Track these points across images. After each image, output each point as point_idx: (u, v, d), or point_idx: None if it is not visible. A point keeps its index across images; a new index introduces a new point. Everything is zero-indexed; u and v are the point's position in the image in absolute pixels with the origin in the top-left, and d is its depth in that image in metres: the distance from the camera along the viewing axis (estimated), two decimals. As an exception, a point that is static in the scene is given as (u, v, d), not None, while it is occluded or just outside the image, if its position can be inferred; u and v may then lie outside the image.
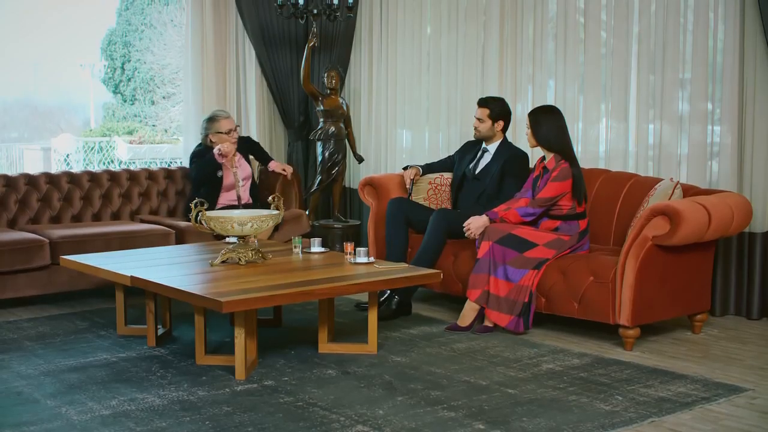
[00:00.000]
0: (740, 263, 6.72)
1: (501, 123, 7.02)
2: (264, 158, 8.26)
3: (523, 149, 7.03)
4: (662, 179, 6.41)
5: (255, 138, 9.36)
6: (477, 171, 7.04)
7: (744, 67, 6.58)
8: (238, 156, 7.89)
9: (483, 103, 7.05)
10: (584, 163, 6.90)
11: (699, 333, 6.26)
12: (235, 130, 7.81)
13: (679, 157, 6.94)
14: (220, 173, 7.69)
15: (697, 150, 6.83)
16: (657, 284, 5.85)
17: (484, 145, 7.07)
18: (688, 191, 6.26)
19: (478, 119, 7.02)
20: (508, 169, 6.88)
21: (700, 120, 6.81)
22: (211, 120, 7.79)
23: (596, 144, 7.44)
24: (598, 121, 7.42)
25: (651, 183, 6.45)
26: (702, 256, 6.15)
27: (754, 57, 6.51)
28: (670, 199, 5.98)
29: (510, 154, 6.98)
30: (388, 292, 6.77)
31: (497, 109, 6.99)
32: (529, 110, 6.62)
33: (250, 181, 7.96)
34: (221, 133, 7.72)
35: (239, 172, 7.81)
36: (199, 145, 7.96)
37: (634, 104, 7.17)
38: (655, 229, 5.69)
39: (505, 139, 7.07)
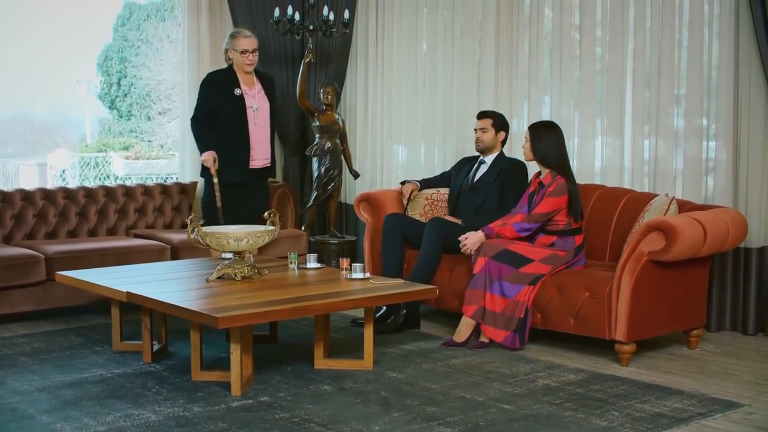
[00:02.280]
0: (736, 279, 6.72)
1: (503, 134, 7.05)
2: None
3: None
4: (658, 195, 6.42)
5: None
6: (473, 181, 7.04)
7: (739, 83, 6.59)
8: (257, 88, 7.28)
9: (485, 114, 7.08)
10: (580, 178, 6.90)
11: (695, 348, 6.26)
12: (254, 52, 7.19)
13: (675, 172, 6.96)
14: (238, 91, 7.16)
15: (693, 165, 6.84)
16: (653, 300, 5.85)
17: (481, 157, 7.08)
18: (684, 207, 6.27)
19: (481, 129, 7.02)
20: (508, 178, 6.88)
21: (695, 135, 6.82)
22: (232, 36, 7.28)
23: (592, 159, 7.45)
24: (594, 137, 7.44)
25: (646, 198, 6.45)
26: (698, 272, 6.16)
27: (748, 73, 6.53)
28: (665, 214, 5.99)
29: (508, 164, 6.99)
30: (384, 308, 6.78)
31: (500, 119, 7.02)
32: (527, 125, 6.63)
33: (268, 116, 7.29)
34: (237, 51, 7.17)
35: (254, 102, 7.23)
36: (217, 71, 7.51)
37: (629, 120, 7.18)
38: (650, 244, 5.69)
39: (502, 152, 7.09)
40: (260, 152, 7.20)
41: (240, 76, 7.18)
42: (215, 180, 7.01)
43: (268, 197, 7.51)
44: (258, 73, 7.34)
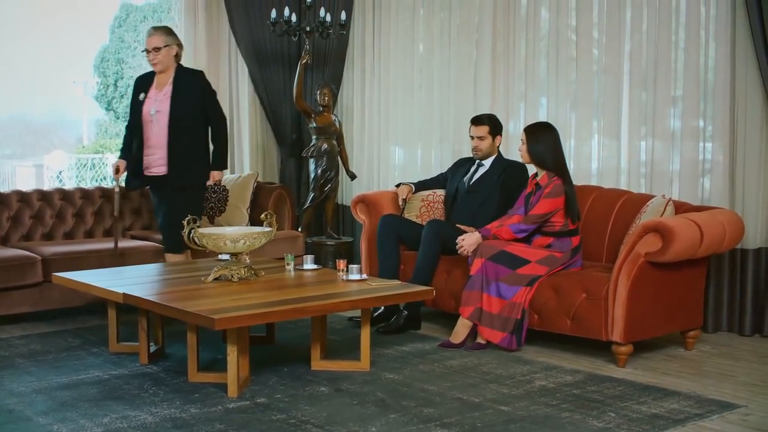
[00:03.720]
0: (732, 280, 6.73)
1: (499, 138, 7.05)
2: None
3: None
4: (654, 196, 6.42)
5: (247, 154, 9.36)
6: (471, 183, 7.03)
7: (735, 84, 6.60)
8: (166, 90, 6.77)
9: (481, 121, 7.04)
10: (577, 180, 6.90)
11: (692, 349, 6.26)
12: (155, 51, 6.72)
13: (671, 173, 6.96)
14: (142, 95, 6.87)
15: (689, 167, 6.84)
16: (649, 301, 5.85)
17: (478, 161, 7.07)
18: (680, 208, 6.27)
19: (479, 138, 6.99)
20: (511, 183, 6.85)
21: (692, 137, 6.82)
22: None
23: (588, 161, 7.45)
24: (591, 139, 7.44)
25: (643, 200, 6.45)
26: (694, 273, 6.16)
27: (745, 74, 6.53)
28: (662, 215, 5.99)
29: (510, 167, 6.98)
30: (382, 308, 6.79)
31: (495, 125, 7.01)
32: (524, 126, 6.62)
33: (167, 121, 6.73)
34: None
35: (154, 106, 6.79)
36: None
37: (626, 121, 7.18)
38: (647, 245, 5.69)
39: (499, 153, 7.08)
40: (155, 159, 6.79)
41: (156, 78, 6.89)
42: (116, 189, 6.98)
43: (181, 207, 6.59)
44: (181, 72, 6.86)
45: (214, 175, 6.92)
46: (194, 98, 6.79)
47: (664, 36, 6.89)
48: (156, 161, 6.79)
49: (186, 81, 6.82)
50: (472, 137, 7.02)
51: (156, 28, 6.86)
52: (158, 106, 6.76)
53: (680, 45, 6.85)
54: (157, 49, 6.75)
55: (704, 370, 5.75)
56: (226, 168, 7.08)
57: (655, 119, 6.98)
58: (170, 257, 6.86)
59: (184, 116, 6.74)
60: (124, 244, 7.52)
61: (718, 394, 5.19)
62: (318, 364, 5.69)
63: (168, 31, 6.86)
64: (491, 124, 7.00)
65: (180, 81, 6.81)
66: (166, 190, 6.78)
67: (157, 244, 7.54)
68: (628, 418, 4.71)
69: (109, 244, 7.35)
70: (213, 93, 6.95)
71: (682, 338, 6.29)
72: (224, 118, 6.97)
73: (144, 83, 6.94)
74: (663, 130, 6.97)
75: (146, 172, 6.84)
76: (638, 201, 6.51)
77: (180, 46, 6.90)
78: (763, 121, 6.49)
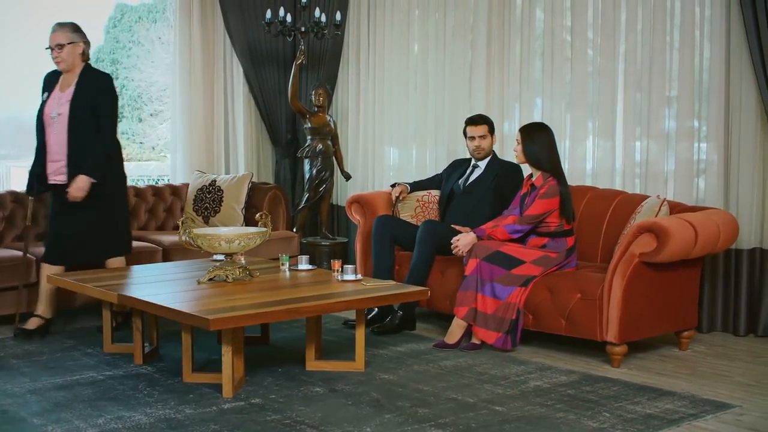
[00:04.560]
0: (727, 280, 6.74)
1: (495, 137, 7.05)
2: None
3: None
4: (649, 196, 6.43)
5: (242, 154, 9.35)
6: (467, 184, 7.03)
7: (730, 85, 6.61)
8: (69, 91, 6.44)
9: (477, 121, 7.02)
10: (571, 180, 6.90)
11: (686, 350, 6.27)
12: (59, 48, 6.41)
13: (666, 174, 6.97)
14: (45, 95, 6.53)
15: (684, 167, 6.85)
16: (644, 301, 5.86)
17: (474, 161, 7.07)
18: (675, 208, 6.28)
19: (481, 137, 6.98)
20: (507, 184, 6.84)
21: (686, 137, 6.84)
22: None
23: (583, 161, 7.46)
24: (585, 139, 7.45)
25: (638, 200, 6.46)
26: (689, 273, 6.17)
27: (739, 74, 6.54)
28: (656, 216, 6.00)
29: (505, 168, 6.98)
30: (376, 309, 6.79)
31: (491, 123, 7.02)
32: (519, 127, 6.62)
33: (66, 124, 6.40)
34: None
35: (56, 108, 6.47)
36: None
37: (620, 122, 7.19)
38: (642, 246, 5.70)
39: (494, 153, 7.08)
40: (57, 167, 6.47)
41: (61, 78, 6.54)
42: (30, 197, 6.78)
43: (86, 218, 6.44)
44: (87, 73, 6.54)
45: (77, 179, 6.33)
46: (95, 102, 6.43)
47: (659, 37, 6.90)
48: (58, 169, 6.45)
49: (90, 83, 6.47)
50: (473, 137, 7.00)
51: (60, 24, 6.50)
52: (60, 108, 6.42)
53: (675, 46, 6.86)
54: (60, 46, 6.42)
55: (699, 371, 5.75)
56: (91, 178, 6.35)
57: (649, 120, 6.99)
58: (112, 262, 6.69)
59: (85, 121, 6.38)
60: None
61: (713, 394, 5.20)
62: (313, 364, 5.68)
63: (74, 28, 6.53)
64: (488, 122, 7.01)
65: (84, 82, 6.46)
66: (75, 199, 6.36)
67: (153, 245, 7.53)
68: (623, 418, 4.72)
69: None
70: (112, 99, 6.54)
71: (677, 338, 6.30)
72: (111, 129, 6.53)
73: (49, 83, 6.59)
74: (658, 130, 6.98)
75: (49, 180, 6.51)
76: (633, 201, 6.51)
77: (87, 43, 6.55)
78: (758, 122, 6.50)
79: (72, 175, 6.36)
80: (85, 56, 6.57)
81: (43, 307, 6.59)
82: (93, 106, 6.41)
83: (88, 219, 6.43)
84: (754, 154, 6.54)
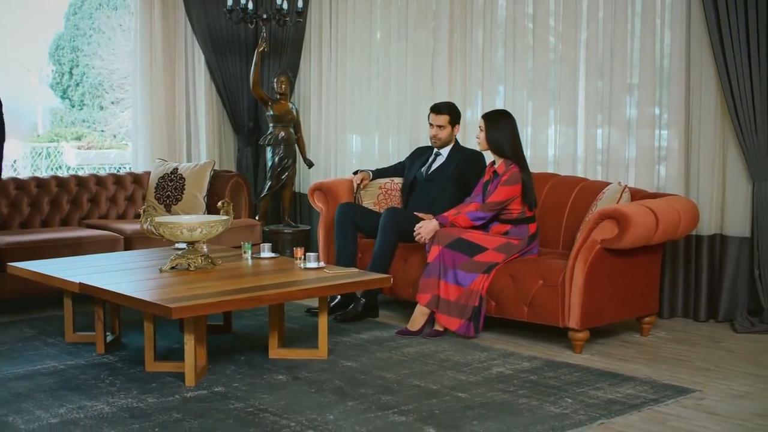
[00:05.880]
0: (687, 266, 6.79)
1: (458, 128, 7.05)
2: None
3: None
4: (610, 183, 6.46)
5: (204, 142, 9.31)
6: (429, 172, 7.04)
7: (690, 72, 6.65)
8: None
9: (440, 109, 7.00)
10: (533, 167, 6.92)
11: (647, 335, 6.31)
12: None
13: (627, 161, 7.01)
14: None
15: (645, 154, 6.89)
16: (606, 287, 5.89)
17: (436, 149, 7.07)
18: (636, 195, 6.31)
19: (439, 126, 6.97)
20: (469, 171, 6.87)
21: (647, 124, 6.87)
22: None
23: (545, 149, 7.49)
24: (547, 126, 7.47)
25: (599, 187, 6.49)
26: (650, 259, 6.21)
27: (700, 62, 6.58)
28: (618, 202, 6.02)
29: (467, 155, 6.98)
30: (339, 297, 6.79)
31: (455, 114, 7.00)
32: (481, 114, 6.62)
33: None
34: None
35: None
36: None
37: (582, 109, 7.22)
38: (603, 232, 5.73)
39: (457, 141, 7.09)
40: None
41: None
42: None
43: None
44: None
45: None
46: None
47: (620, 24, 6.93)
48: None
49: None
50: (431, 125, 7.01)
51: None
52: None
53: (636, 33, 6.89)
54: None
55: (660, 356, 5.79)
56: None
57: (611, 107, 7.03)
58: None
59: None
60: (82, 233, 7.45)
61: (674, 379, 5.24)
62: (276, 352, 5.68)
63: None
64: (451, 113, 6.99)
65: None
66: None
67: (114, 234, 7.49)
68: (585, 403, 4.74)
69: (63, 234, 7.31)
70: None
71: (638, 324, 6.34)
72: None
73: None
74: (619, 117, 7.01)
75: None
76: (594, 188, 6.55)
77: None
78: (718, 109, 6.55)
79: None
80: None
81: None
82: None
83: None
84: (714, 140, 6.58)
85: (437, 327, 6.22)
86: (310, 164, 8.97)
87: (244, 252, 6.18)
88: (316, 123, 9.41)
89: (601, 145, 7.13)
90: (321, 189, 7.43)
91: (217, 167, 8.79)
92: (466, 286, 6.11)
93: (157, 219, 5.66)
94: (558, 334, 6.05)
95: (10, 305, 7.17)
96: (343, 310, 6.78)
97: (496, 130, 6.29)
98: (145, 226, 5.65)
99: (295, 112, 8.81)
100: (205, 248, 5.91)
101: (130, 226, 7.71)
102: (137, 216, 8.21)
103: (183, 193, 8.21)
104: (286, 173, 8.77)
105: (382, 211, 6.99)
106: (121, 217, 8.39)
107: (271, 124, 8.73)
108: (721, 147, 6.59)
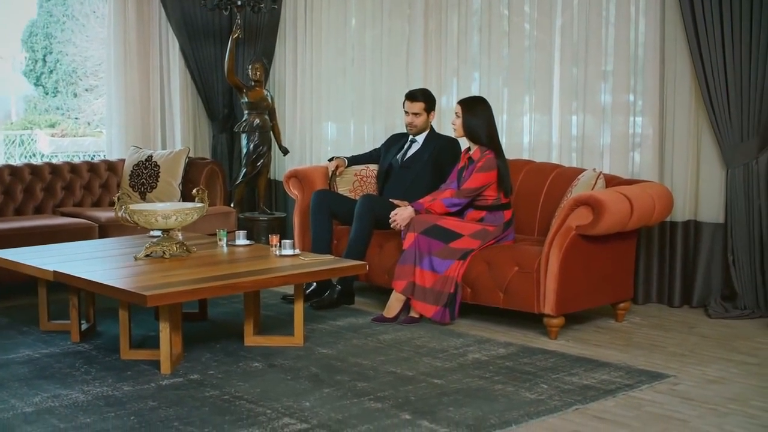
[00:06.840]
0: (662, 252, 6.82)
1: (433, 114, 7.04)
2: None
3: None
4: (585, 170, 6.47)
5: (178, 129, 9.28)
6: (405, 159, 7.04)
7: (665, 60, 6.67)
8: None
9: (415, 96, 6.99)
10: (509, 154, 6.92)
11: (622, 321, 6.34)
12: None
13: (602, 148, 7.03)
14: None
15: (620, 141, 6.91)
16: (581, 273, 5.91)
17: (411, 136, 7.07)
18: (611, 181, 6.33)
19: (414, 114, 6.96)
20: (444, 157, 6.87)
21: (622, 111, 6.89)
22: None
23: (520, 135, 7.50)
24: (522, 113, 7.48)
25: (574, 174, 6.51)
26: (624, 246, 6.23)
27: (674, 49, 6.61)
28: (593, 189, 6.04)
29: (442, 142, 6.99)
30: (314, 284, 6.78)
31: (430, 101, 7.00)
32: (457, 101, 6.62)
33: None
34: None
35: None
36: None
37: (557, 96, 7.24)
38: (578, 219, 5.74)
39: (432, 128, 7.09)
40: None
41: None
42: None
43: None
44: None
45: None
46: None
47: (595, 11, 6.94)
48: None
49: None
50: (407, 112, 7.01)
51: None
52: None
53: (611, 20, 6.90)
54: None
55: (634, 342, 5.82)
56: None
57: (586, 94, 7.04)
58: None
59: None
60: (56, 221, 7.42)
61: (648, 364, 5.27)
62: (251, 339, 5.67)
63: None
64: (426, 100, 6.98)
65: None
66: None
67: (89, 222, 7.46)
68: (560, 389, 4.76)
69: (37, 222, 7.27)
70: None
71: (613, 310, 6.37)
72: None
73: None
74: (594, 104, 7.03)
75: None
76: (569, 175, 6.56)
77: None
78: (692, 96, 6.57)
79: None
80: None
81: None
82: None
83: None
84: (688, 127, 6.61)
85: (413, 314, 6.23)
86: (285, 151, 8.95)
87: (220, 239, 6.17)
88: (291, 110, 9.39)
89: (576, 131, 7.15)
90: (296, 176, 7.42)
91: (192, 154, 8.76)
92: (441, 272, 6.12)
93: (132, 206, 5.64)
94: (533, 321, 6.07)
95: (-17, 294, 7.14)
96: (318, 297, 6.78)
97: (473, 117, 6.29)
98: (119, 214, 5.63)
99: (270, 99, 8.79)
100: (180, 236, 5.89)
101: (104, 214, 7.67)
102: (112, 204, 8.17)
103: (158, 181, 8.18)
104: (261, 160, 8.75)
105: (357, 198, 6.99)
106: (96, 204, 8.35)
107: (246, 111, 8.71)
108: (696, 134, 6.62)
